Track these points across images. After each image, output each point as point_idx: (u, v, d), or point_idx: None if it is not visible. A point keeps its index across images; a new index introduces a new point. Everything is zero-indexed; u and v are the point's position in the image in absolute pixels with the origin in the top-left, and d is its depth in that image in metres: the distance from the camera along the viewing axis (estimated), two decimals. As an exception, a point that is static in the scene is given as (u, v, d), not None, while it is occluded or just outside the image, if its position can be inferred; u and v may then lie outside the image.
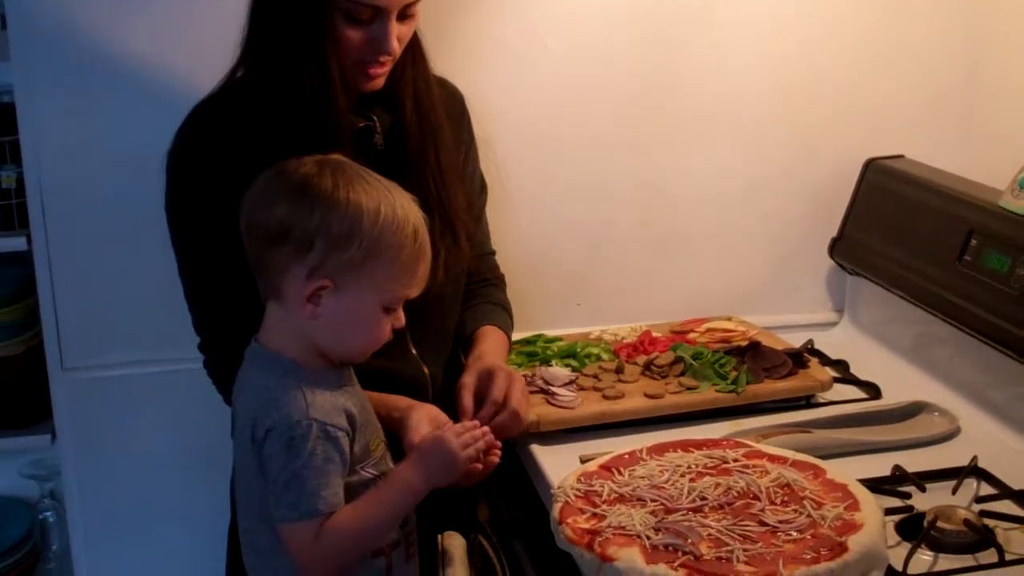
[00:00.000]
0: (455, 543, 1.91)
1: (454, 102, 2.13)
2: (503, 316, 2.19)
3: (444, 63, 2.08)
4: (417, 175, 1.94)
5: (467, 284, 2.17)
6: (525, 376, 2.22)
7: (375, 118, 1.96)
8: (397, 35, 1.84)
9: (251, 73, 1.91)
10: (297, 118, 1.84)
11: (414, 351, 2.02)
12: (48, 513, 2.82)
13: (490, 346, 2.08)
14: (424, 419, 1.80)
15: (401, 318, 1.70)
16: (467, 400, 1.93)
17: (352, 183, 1.62)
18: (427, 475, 1.69)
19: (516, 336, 2.45)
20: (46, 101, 2.27)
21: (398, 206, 1.64)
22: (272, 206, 1.62)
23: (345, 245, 1.60)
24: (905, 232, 2.44)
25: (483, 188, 2.22)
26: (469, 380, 1.96)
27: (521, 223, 2.44)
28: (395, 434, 1.82)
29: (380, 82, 1.90)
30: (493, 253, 2.27)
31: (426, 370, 2.03)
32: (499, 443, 1.82)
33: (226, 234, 1.71)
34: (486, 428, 1.78)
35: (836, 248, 2.64)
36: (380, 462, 1.73)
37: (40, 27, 2.23)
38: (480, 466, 1.78)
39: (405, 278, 1.66)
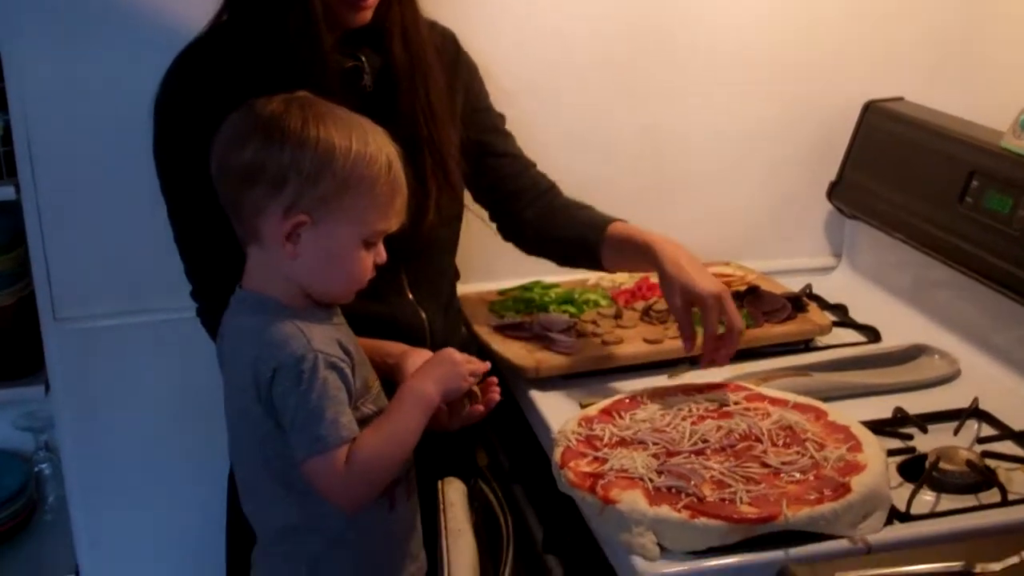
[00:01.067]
0: (455, 488, 1.90)
1: (446, 43, 2.09)
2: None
3: (436, 15, 2.05)
4: (407, 114, 1.93)
5: (530, 194, 2.16)
6: (523, 322, 2.21)
7: (363, 58, 1.93)
8: None
9: (235, 16, 1.88)
10: (282, 60, 1.81)
11: (410, 295, 2.01)
12: (43, 465, 2.80)
13: (657, 238, 2.03)
14: (420, 364, 1.79)
15: (382, 254, 1.68)
16: (689, 329, 1.94)
17: (322, 119, 1.61)
18: (435, 380, 1.68)
19: (512, 283, 2.45)
20: (32, 46, 2.22)
21: (370, 140, 1.63)
22: (242, 147, 1.60)
23: (318, 179, 1.59)
24: (905, 175, 2.43)
25: (500, 117, 2.20)
26: (680, 302, 1.93)
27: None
28: (390, 381, 1.80)
29: (368, 15, 1.87)
30: (535, 165, 2.22)
31: (423, 314, 2.02)
32: (495, 379, 1.81)
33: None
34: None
35: (835, 192, 2.62)
36: (378, 398, 1.72)
37: (25, -30, 2.20)
38: (481, 407, 1.77)
39: (382, 211, 1.65)
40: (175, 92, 1.87)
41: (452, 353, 1.73)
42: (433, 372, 1.70)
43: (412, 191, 1.86)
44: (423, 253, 1.98)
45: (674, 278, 1.94)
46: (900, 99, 2.59)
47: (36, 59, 2.24)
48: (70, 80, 2.26)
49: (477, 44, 2.16)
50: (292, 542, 1.71)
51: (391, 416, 1.66)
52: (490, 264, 2.47)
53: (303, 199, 1.59)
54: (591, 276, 2.47)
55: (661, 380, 2.01)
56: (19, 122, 2.27)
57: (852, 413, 1.85)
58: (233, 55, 1.84)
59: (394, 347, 1.86)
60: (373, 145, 1.63)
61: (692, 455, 1.70)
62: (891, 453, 1.78)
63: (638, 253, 2.03)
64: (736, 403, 1.86)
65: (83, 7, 2.23)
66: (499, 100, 2.20)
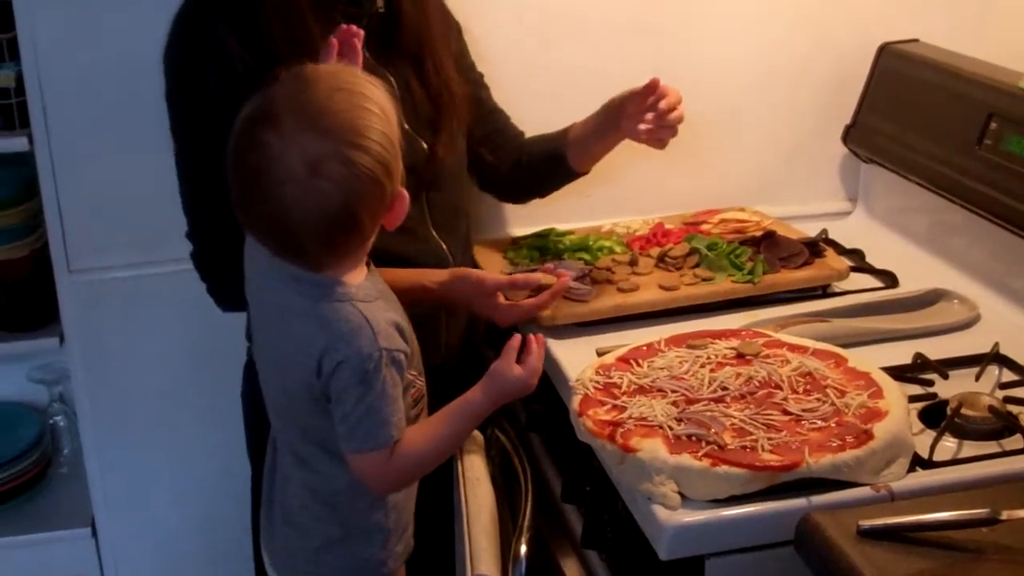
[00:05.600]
0: (472, 437, 1.90)
1: None
2: None
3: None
4: (412, 35, 1.96)
5: (512, 144, 2.27)
6: (537, 270, 2.20)
7: None
8: None
9: None
10: None
11: (433, 231, 2.03)
12: (58, 417, 2.81)
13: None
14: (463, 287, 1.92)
15: None
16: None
17: (356, 116, 1.53)
18: (498, 400, 1.71)
19: (526, 231, 2.44)
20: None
21: (373, 96, 1.57)
22: (320, 200, 1.51)
23: (393, 170, 1.56)
24: (921, 118, 2.40)
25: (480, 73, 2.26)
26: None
27: (525, 112, 2.38)
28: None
29: None
30: (509, 116, 2.31)
31: (444, 247, 2.04)
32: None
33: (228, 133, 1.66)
34: (542, 340, 1.76)
35: (850, 136, 2.60)
36: (416, 359, 1.71)
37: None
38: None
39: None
40: (188, 36, 1.85)
41: (520, 377, 1.70)
42: (500, 392, 1.71)
43: (424, 115, 1.94)
44: (444, 189, 2.03)
45: (638, 91, 2.11)
46: (915, 41, 2.56)
47: (47, 7, 2.22)
48: (82, 28, 2.25)
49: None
50: (332, 504, 1.73)
51: (443, 421, 1.69)
52: (503, 212, 2.46)
53: (395, 184, 1.58)
54: (605, 223, 2.46)
55: (677, 328, 2.00)
56: (31, 72, 2.25)
57: (872, 359, 1.83)
58: None
59: (435, 274, 1.92)
60: (373, 90, 1.58)
61: (712, 403, 1.69)
62: (912, 399, 1.76)
63: (598, 123, 2.19)
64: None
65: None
66: (511, 33, 2.18)
